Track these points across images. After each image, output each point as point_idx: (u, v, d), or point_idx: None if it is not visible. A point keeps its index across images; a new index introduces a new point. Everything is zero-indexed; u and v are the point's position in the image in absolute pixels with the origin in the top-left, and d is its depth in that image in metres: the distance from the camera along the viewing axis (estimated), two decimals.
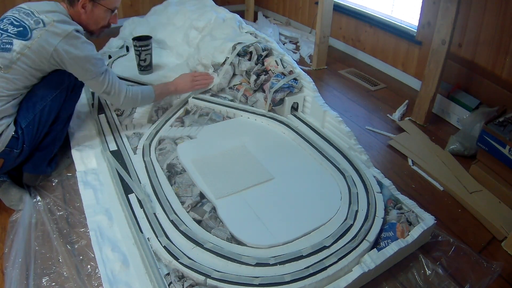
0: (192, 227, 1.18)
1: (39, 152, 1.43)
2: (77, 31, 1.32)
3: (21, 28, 1.26)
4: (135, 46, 1.96)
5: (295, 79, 1.79)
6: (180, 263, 1.05)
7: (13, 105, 1.28)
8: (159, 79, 1.97)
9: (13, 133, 1.28)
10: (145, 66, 2.01)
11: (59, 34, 1.27)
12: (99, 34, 1.53)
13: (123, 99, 1.49)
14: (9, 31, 1.26)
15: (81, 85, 1.52)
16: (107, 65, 1.43)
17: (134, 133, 1.68)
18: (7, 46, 1.24)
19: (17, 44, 1.24)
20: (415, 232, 1.20)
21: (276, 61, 1.86)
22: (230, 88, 1.91)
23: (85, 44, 1.34)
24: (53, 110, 1.39)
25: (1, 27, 1.28)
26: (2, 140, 1.25)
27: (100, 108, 1.84)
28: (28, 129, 1.32)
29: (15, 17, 1.30)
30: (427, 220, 1.24)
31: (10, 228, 1.28)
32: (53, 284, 1.11)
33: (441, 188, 1.59)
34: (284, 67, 1.85)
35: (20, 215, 1.32)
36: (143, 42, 1.96)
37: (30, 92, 1.34)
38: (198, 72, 1.93)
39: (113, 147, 1.57)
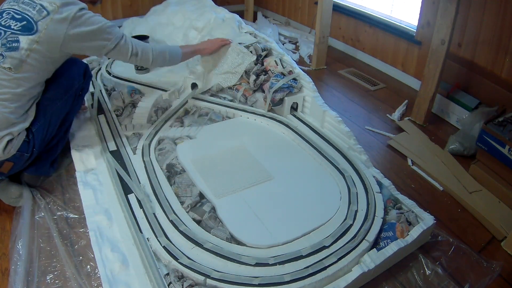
0: (191, 227, 1.18)
1: (44, 154, 1.42)
2: (82, 9, 1.25)
3: (25, 22, 1.19)
4: None
5: (294, 79, 1.79)
6: (180, 263, 1.05)
7: (26, 108, 1.25)
8: (157, 79, 1.97)
9: (25, 137, 1.26)
10: (143, 66, 2.01)
11: (65, 19, 1.20)
12: (101, 0, 1.52)
13: (151, 56, 1.46)
14: (12, 27, 1.19)
15: (86, 89, 1.53)
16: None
17: (133, 133, 1.68)
18: (14, 44, 1.17)
19: (24, 40, 1.17)
20: (415, 232, 1.20)
21: (275, 61, 1.86)
22: (230, 88, 1.91)
23: (94, 18, 1.28)
24: (62, 114, 1.40)
25: (2, 23, 1.20)
26: (15, 144, 1.23)
27: (100, 109, 1.84)
28: (38, 133, 1.31)
29: (15, 9, 1.21)
30: (427, 220, 1.24)
31: (15, 225, 1.28)
32: (57, 281, 1.12)
33: (441, 188, 1.59)
34: (283, 67, 1.85)
35: (24, 211, 1.33)
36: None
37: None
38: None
39: (112, 147, 1.57)
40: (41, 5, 1.20)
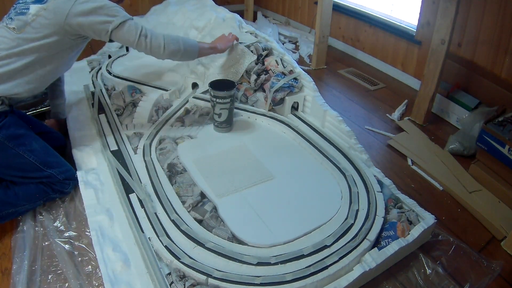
0: (193, 226, 1.18)
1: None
2: None
3: None
4: None
5: (295, 78, 1.80)
6: (182, 262, 1.06)
7: (19, 75, 1.27)
8: (158, 78, 1.97)
9: None
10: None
11: None
12: None
13: (163, 41, 1.33)
14: (27, 0, 1.30)
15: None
16: None
17: (134, 132, 1.67)
18: (23, 10, 1.28)
19: (33, 7, 1.27)
20: (416, 231, 1.20)
21: (276, 60, 1.86)
22: None
23: None
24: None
25: (21, 1, 1.32)
26: None
27: (100, 108, 1.83)
28: None
29: None
30: (428, 219, 1.25)
31: (16, 225, 1.28)
32: (58, 281, 1.12)
33: (441, 188, 1.59)
34: (284, 67, 1.85)
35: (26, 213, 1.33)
36: None
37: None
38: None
39: (113, 147, 1.57)
40: None
